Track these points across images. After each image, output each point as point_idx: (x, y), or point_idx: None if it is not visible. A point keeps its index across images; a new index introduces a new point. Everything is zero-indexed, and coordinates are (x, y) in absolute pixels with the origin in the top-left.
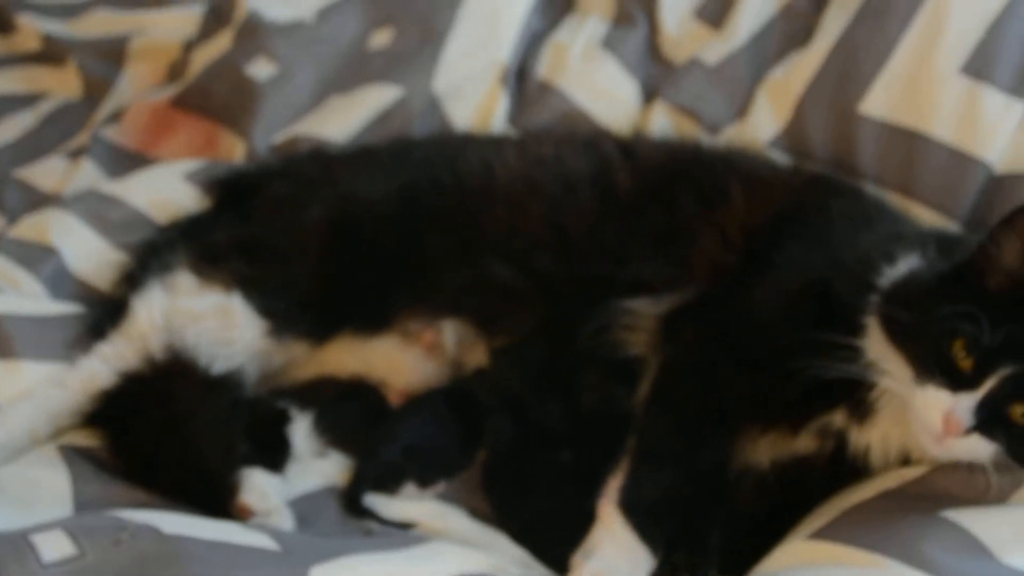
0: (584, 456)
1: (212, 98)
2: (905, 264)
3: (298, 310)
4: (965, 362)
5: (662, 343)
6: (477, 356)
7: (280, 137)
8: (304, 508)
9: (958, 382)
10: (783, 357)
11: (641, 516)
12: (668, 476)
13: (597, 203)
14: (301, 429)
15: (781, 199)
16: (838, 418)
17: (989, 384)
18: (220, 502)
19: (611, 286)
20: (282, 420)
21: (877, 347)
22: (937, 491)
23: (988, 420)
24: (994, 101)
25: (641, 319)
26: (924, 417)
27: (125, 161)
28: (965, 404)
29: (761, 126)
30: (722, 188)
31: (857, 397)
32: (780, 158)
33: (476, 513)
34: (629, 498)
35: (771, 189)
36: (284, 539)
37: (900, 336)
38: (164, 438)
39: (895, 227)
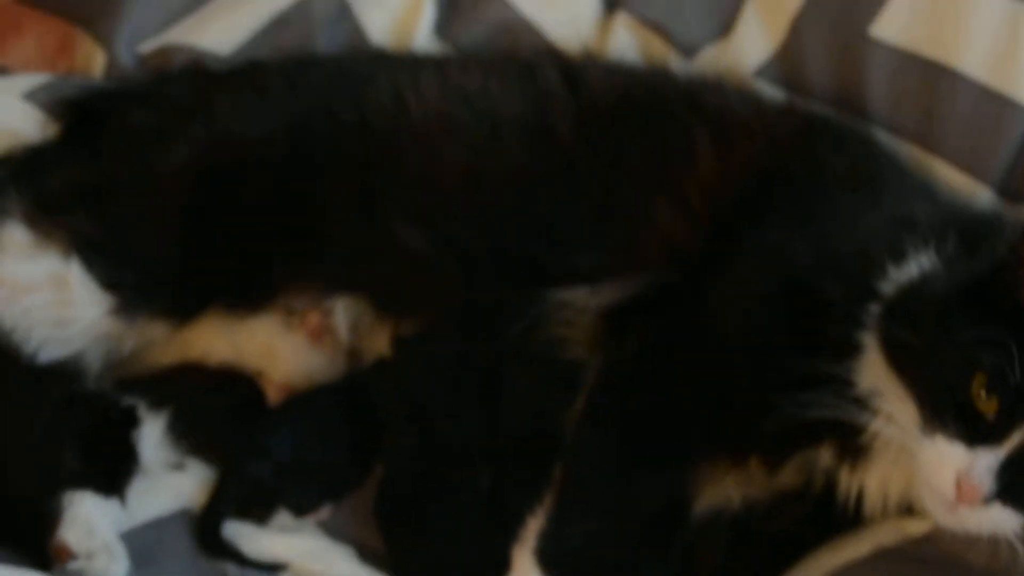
0: (505, 483)
1: None
2: (916, 262)
3: (154, 281)
4: (987, 405)
5: (602, 352)
6: (378, 345)
7: (149, 46)
8: (149, 540)
9: (977, 433)
10: (752, 381)
11: (563, 570)
12: (600, 519)
13: (527, 153)
14: (152, 433)
15: (762, 153)
16: (824, 455)
17: (1017, 437)
18: (33, 540)
19: (542, 268)
20: (127, 422)
21: (875, 375)
22: (947, 556)
23: (1015, 484)
24: None
25: (580, 314)
26: (932, 478)
27: None
28: (985, 463)
29: (747, 48)
30: (685, 137)
31: (847, 432)
32: (768, 92)
33: (367, 551)
34: (548, 546)
35: (750, 138)
36: None
37: (905, 365)
38: None
39: (908, 203)
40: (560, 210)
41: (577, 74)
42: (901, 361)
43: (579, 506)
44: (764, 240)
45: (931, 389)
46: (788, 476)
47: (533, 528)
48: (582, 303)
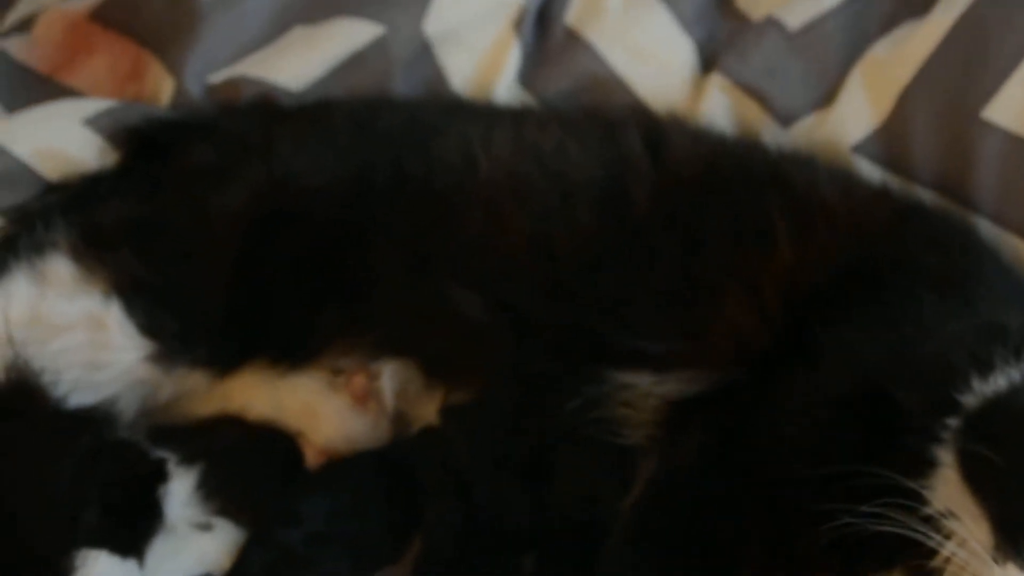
0: (551, 569)
1: (141, 13)
2: (1005, 375)
3: (197, 329)
4: None
5: (662, 441)
6: (425, 413)
7: (220, 76)
8: None
9: None
10: (815, 492)
11: None
12: None
13: (599, 223)
14: (181, 490)
15: (845, 243)
16: None
17: None
18: None
19: (605, 347)
20: (156, 476)
21: (948, 494)
22: None
23: None
24: None
25: (642, 398)
26: None
27: (32, 86)
28: None
29: (848, 120)
30: (765, 220)
31: (917, 556)
32: (866, 170)
33: None
34: None
35: (833, 226)
36: None
37: (983, 485)
38: None
39: (1002, 309)
40: (629, 287)
41: (661, 139)
42: (979, 480)
43: None
44: (839, 340)
45: (1010, 512)
46: None
47: None
48: (644, 388)
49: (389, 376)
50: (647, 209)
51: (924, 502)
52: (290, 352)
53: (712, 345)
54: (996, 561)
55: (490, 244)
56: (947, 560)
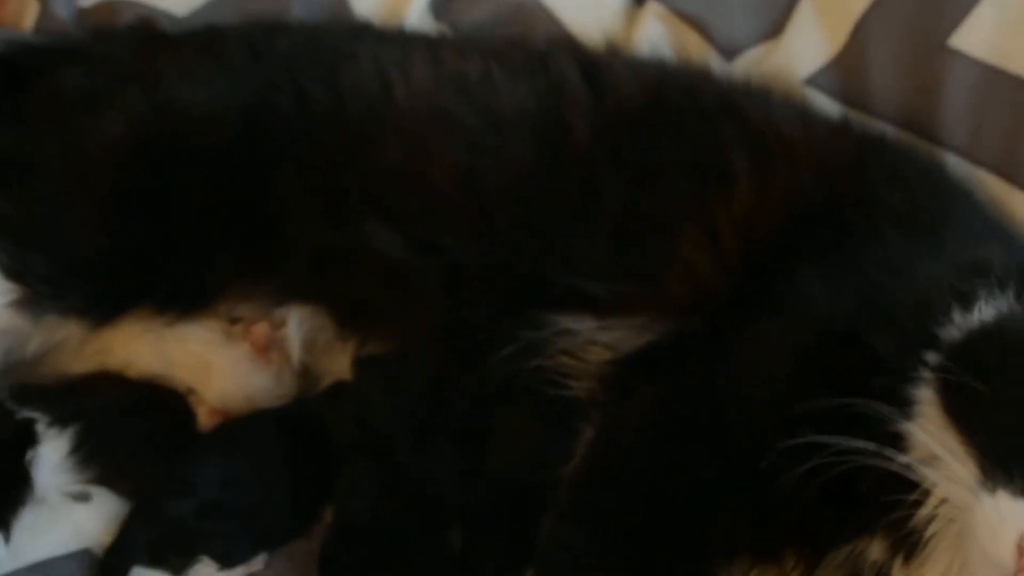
0: (479, 545)
1: None
2: (990, 306)
3: (69, 272)
4: None
5: (607, 395)
6: (335, 366)
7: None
8: None
9: None
10: (782, 453)
11: None
12: None
13: (535, 155)
14: (51, 455)
15: (807, 183)
16: (873, 547)
17: None
18: None
19: (544, 289)
20: (22, 439)
21: (931, 435)
22: None
23: None
24: None
25: (585, 346)
26: (989, 542)
27: None
28: None
29: (799, 52)
30: (722, 157)
31: (899, 518)
32: (822, 104)
33: None
34: None
35: (794, 164)
36: None
37: (968, 415)
38: None
39: (977, 248)
40: (570, 224)
41: (599, 68)
42: (963, 411)
43: None
44: (802, 285)
45: (998, 441)
46: (828, 574)
47: None
48: (587, 335)
49: (295, 324)
50: (589, 141)
51: (903, 448)
52: (179, 299)
53: (665, 289)
54: (984, 490)
55: (412, 178)
56: (931, 520)
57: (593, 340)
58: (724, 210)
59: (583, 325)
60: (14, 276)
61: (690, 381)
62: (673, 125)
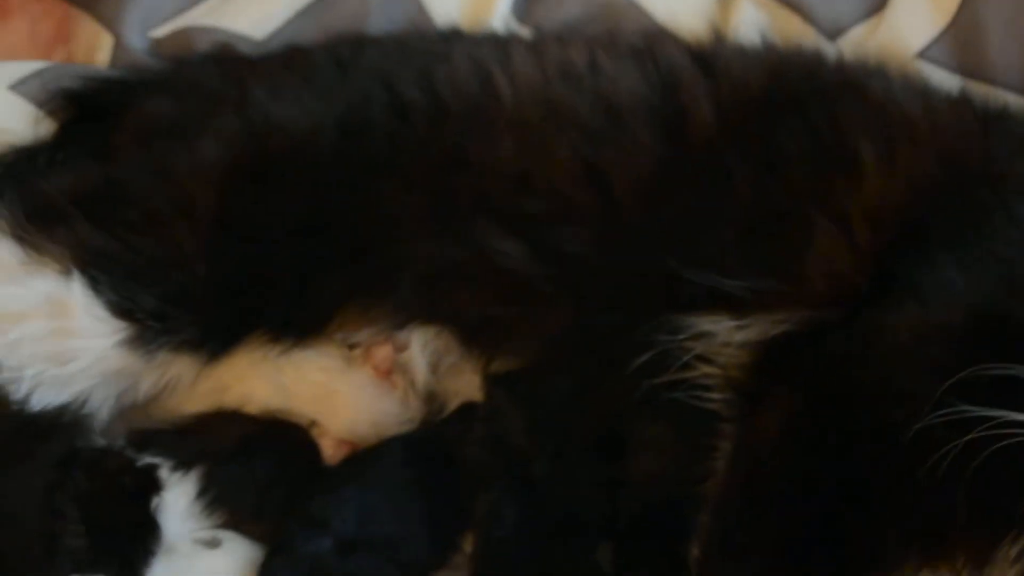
0: (633, 566)
1: None
2: None
3: (178, 304)
4: None
5: (746, 402)
6: (463, 386)
7: (165, 29)
8: None
9: None
10: (944, 446)
11: None
12: None
13: (660, 148)
14: (178, 501)
15: (933, 165)
16: None
17: None
18: None
19: (677, 290)
20: (146, 487)
21: None
22: None
23: None
24: None
25: (722, 350)
26: None
27: None
28: None
29: (908, 25)
30: (846, 142)
31: None
32: (938, 78)
33: None
34: None
35: (919, 146)
36: None
37: None
38: None
39: None
40: (701, 219)
41: (708, 54)
42: None
43: None
44: (939, 273)
45: None
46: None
47: None
48: (724, 336)
49: (419, 346)
50: (712, 128)
51: None
52: (292, 325)
53: (804, 282)
54: None
55: (529, 179)
56: None
57: (729, 342)
58: (854, 196)
59: (719, 326)
60: (122, 313)
61: (832, 380)
62: (793, 110)
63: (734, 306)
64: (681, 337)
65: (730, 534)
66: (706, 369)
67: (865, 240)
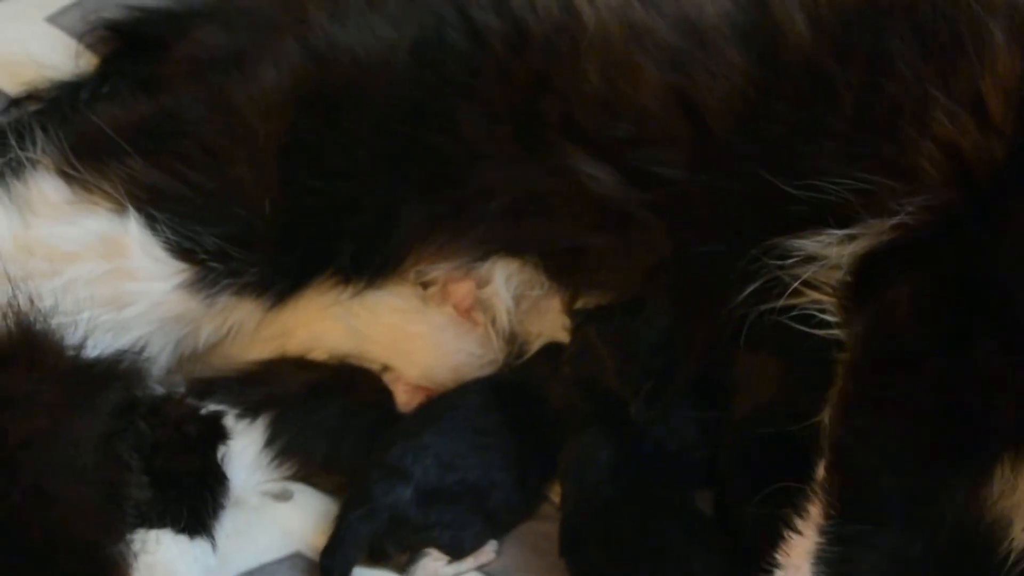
0: (736, 506)
1: None
2: None
3: (242, 244)
4: None
5: (857, 307)
6: (545, 326)
7: None
8: None
9: None
10: None
11: None
12: (899, 540)
13: (752, 65)
14: (245, 451)
15: None
16: None
17: None
18: None
19: (778, 209)
20: (211, 436)
21: None
22: None
23: None
24: None
25: (830, 272)
26: None
27: None
28: None
29: None
30: (972, 22)
31: None
32: None
33: None
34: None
35: None
36: None
37: None
38: None
39: None
40: (802, 130)
41: None
42: None
43: (863, 518)
44: None
45: None
46: None
47: (800, 547)
48: (833, 254)
49: (502, 280)
50: (808, 39)
51: None
52: (364, 264)
53: (918, 173)
54: None
55: (615, 104)
56: None
57: (838, 262)
58: (987, 76)
59: (828, 243)
60: (182, 254)
61: (962, 260)
62: (901, 12)
63: (842, 215)
64: (786, 264)
65: (862, 400)
66: (814, 295)
67: (1001, 117)
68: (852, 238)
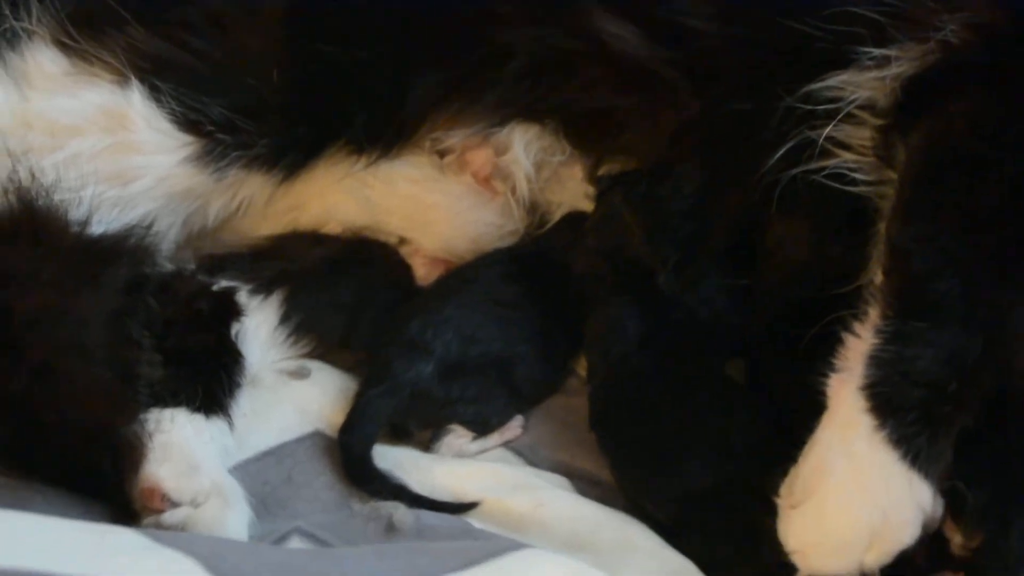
0: (767, 367)
1: None
2: None
3: (251, 113)
4: None
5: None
6: (565, 194)
7: None
8: (272, 476)
9: None
10: None
11: (908, 412)
12: (956, 339)
13: None
14: (260, 328)
15: None
16: None
17: None
18: (108, 480)
19: (804, 54)
20: (225, 312)
21: None
22: None
23: None
24: None
25: (862, 123)
26: None
27: None
28: None
29: None
30: None
31: None
32: None
33: (578, 480)
34: (885, 378)
35: None
36: (221, 562)
37: None
38: None
39: None
40: None
41: None
42: None
43: (927, 318)
44: None
45: None
46: None
47: (854, 358)
48: (864, 99)
49: (521, 146)
50: None
51: None
52: (378, 132)
53: None
54: None
55: None
56: None
57: (873, 107)
58: None
59: (858, 81)
60: (188, 126)
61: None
62: None
63: (878, 38)
64: (816, 115)
65: (923, 204)
66: (847, 155)
67: None
68: (889, 60)
